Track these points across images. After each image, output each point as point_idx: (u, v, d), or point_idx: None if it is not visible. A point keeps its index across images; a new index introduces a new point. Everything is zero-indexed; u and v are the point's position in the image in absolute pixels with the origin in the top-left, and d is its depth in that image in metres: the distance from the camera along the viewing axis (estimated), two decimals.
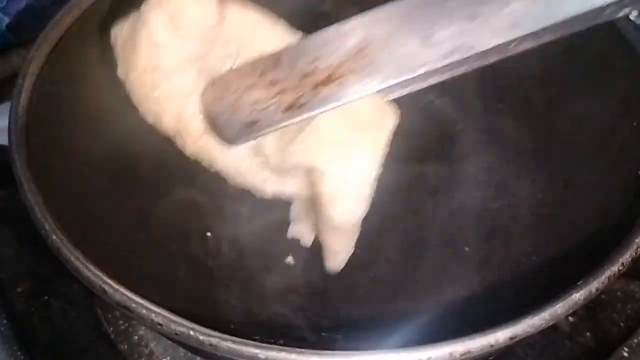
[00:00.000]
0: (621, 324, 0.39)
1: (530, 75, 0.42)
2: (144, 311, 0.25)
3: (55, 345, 0.38)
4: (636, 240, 0.27)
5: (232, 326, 0.35)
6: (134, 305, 0.25)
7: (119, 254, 0.34)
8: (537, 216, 0.39)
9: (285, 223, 0.40)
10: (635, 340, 0.39)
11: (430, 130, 0.45)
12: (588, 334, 0.39)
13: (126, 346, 0.38)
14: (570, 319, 0.39)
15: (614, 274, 0.26)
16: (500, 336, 0.24)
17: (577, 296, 0.25)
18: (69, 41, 0.37)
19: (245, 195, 0.41)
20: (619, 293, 0.40)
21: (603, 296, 0.40)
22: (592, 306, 0.40)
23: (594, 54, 0.38)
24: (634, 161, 0.34)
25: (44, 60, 0.35)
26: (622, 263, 0.26)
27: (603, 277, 0.26)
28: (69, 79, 0.37)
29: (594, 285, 0.25)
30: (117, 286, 0.25)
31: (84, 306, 0.39)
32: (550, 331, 0.39)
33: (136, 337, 0.38)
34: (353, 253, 0.39)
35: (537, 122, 0.42)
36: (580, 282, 0.25)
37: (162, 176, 0.40)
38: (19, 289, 0.39)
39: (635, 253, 0.27)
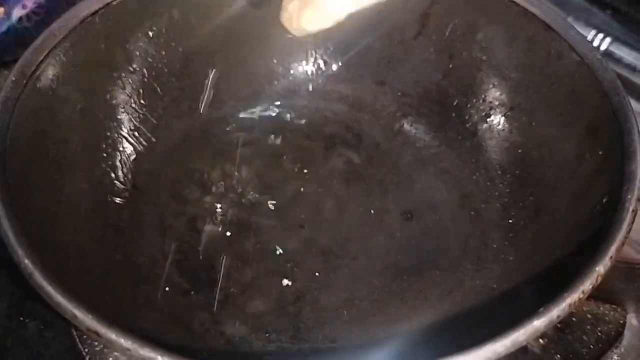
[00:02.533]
0: (591, 346, 0.40)
1: (501, 104, 0.44)
2: (113, 336, 0.25)
3: None
4: (596, 268, 0.28)
5: (205, 351, 0.35)
6: (103, 330, 0.25)
7: (92, 278, 0.34)
8: (508, 241, 0.40)
9: (260, 249, 0.40)
10: None
11: (404, 155, 0.46)
12: (558, 356, 0.39)
13: None
14: (541, 340, 0.40)
15: (575, 302, 0.27)
16: None
17: (538, 323, 0.26)
18: (49, 66, 0.37)
19: (224, 220, 0.42)
20: (589, 315, 0.41)
21: (573, 318, 0.41)
22: (562, 328, 0.40)
23: (563, 86, 0.39)
24: (600, 188, 0.35)
25: (23, 84, 0.35)
26: (583, 291, 0.27)
27: (564, 304, 0.26)
28: (48, 103, 0.37)
29: (555, 312, 0.26)
30: (87, 312, 0.26)
31: (59, 327, 0.39)
32: (521, 353, 0.39)
33: (111, 359, 0.38)
34: (326, 276, 0.39)
35: (508, 149, 0.43)
36: (541, 309, 0.26)
37: (138, 201, 0.41)
38: None
39: (596, 281, 0.28)
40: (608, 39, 0.54)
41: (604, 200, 0.33)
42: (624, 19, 0.58)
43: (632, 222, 0.30)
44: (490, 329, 0.26)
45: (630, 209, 0.30)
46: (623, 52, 0.54)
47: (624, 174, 0.32)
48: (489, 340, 0.25)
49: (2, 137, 0.32)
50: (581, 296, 0.27)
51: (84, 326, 0.26)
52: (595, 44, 0.54)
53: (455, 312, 0.37)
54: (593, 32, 0.54)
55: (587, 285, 0.27)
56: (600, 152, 0.36)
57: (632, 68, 0.53)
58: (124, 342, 0.25)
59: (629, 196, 0.30)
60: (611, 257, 0.28)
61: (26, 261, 0.27)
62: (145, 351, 0.25)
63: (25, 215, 0.31)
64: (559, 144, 0.39)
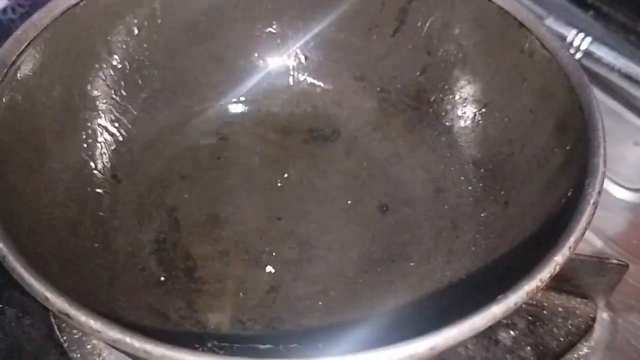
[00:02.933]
0: (561, 339, 0.41)
1: (476, 100, 0.44)
2: (83, 318, 0.25)
3: (8, 353, 0.38)
4: (555, 258, 0.28)
5: (178, 337, 0.36)
6: (73, 312, 0.26)
7: (68, 265, 0.34)
8: (479, 234, 0.41)
9: (237, 240, 0.41)
10: (575, 355, 0.40)
11: (381, 150, 0.46)
12: (529, 348, 0.40)
13: (79, 355, 0.38)
14: (512, 332, 0.41)
15: (533, 290, 0.27)
16: (420, 347, 0.25)
17: (496, 309, 0.26)
18: (30, 56, 0.37)
19: (202, 210, 0.43)
20: (560, 309, 0.42)
21: (545, 311, 0.42)
22: (533, 320, 0.41)
23: (534, 83, 0.40)
24: (567, 182, 0.35)
25: (4, 73, 0.36)
26: (541, 279, 0.28)
27: (521, 292, 0.27)
28: (28, 92, 0.37)
29: (512, 299, 0.27)
30: (59, 294, 0.26)
31: (38, 315, 0.39)
32: (492, 344, 0.40)
33: (89, 346, 0.39)
34: (301, 266, 0.40)
35: (482, 144, 0.44)
36: (499, 296, 0.27)
37: (118, 191, 0.42)
38: None
39: (554, 270, 0.28)
40: (588, 39, 0.55)
41: (569, 194, 0.34)
42: (605, 20, 0.59)
43: (593, 214, 0.31)
44: (457, 316, 0.27)
45: (591, 202, 0.31)
46: (602, 52, 0.54)
47: (587, 168, 0.32)
48: (447, 325, 0.25)
49: None
50: (539, 284, 0.28)
51: (55, 308, 0.26)
52: (576, 43, 0.55)
53: (425, 302, 0.38)
54: (574, 32, 0.55)
55: (545, 274, 0.28)
56: (567, 147, 0.36)
57: (610, 67, 0.54)
58: (94, 323, 0.25)
59: (590, 189, 0.31)
60: (570, 248, 0.29)
61: (0, 245, 0.28)
62: (114, 333, 0.25)
63: (2, 202, 0.31)
64: (530, 139, 0.40)
